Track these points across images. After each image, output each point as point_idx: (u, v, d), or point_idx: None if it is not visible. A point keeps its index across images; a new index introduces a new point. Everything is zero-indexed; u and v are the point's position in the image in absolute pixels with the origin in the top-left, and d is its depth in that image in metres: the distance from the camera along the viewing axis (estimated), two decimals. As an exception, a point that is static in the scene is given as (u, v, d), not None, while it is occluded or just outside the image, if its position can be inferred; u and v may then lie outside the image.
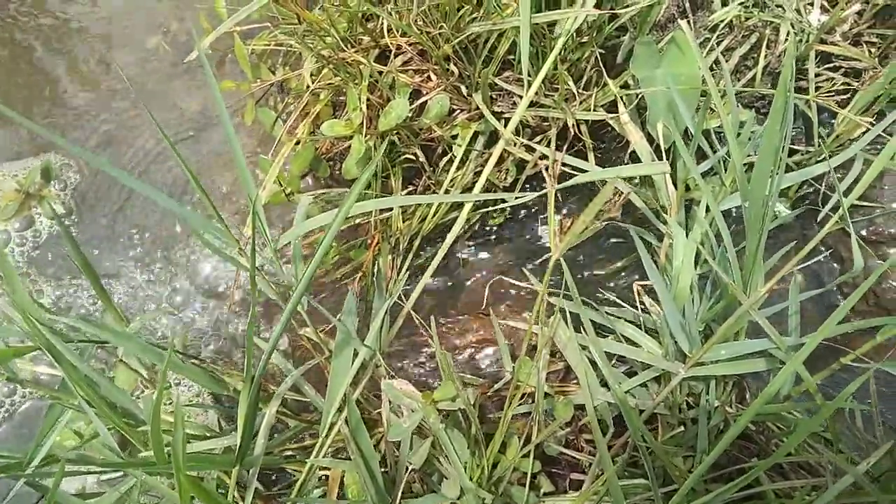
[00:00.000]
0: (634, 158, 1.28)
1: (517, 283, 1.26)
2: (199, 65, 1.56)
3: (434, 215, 1.35)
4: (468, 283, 1.44)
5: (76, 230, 1.57)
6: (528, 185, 1.41)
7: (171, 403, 1.36)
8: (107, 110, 1.67)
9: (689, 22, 1.25)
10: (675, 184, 1.23)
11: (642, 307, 1.21)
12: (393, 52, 1.27)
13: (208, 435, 1.15)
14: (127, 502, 1.02)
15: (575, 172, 1.18)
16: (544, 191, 0.90)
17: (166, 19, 1.73)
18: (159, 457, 0.88)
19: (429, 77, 1.27)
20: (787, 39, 1.28)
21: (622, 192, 0.97)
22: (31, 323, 0.83)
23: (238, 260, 1.01)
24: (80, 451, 1.13)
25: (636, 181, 1.30)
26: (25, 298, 0.91)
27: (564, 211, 1.47)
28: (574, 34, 1.18)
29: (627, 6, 1.20)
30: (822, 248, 1.38)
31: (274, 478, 1.30)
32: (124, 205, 1.58)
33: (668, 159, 1.21)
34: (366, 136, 1.26)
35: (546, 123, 1.32)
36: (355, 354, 1.09)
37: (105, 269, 1.53)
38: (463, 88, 1.27)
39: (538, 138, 1.33)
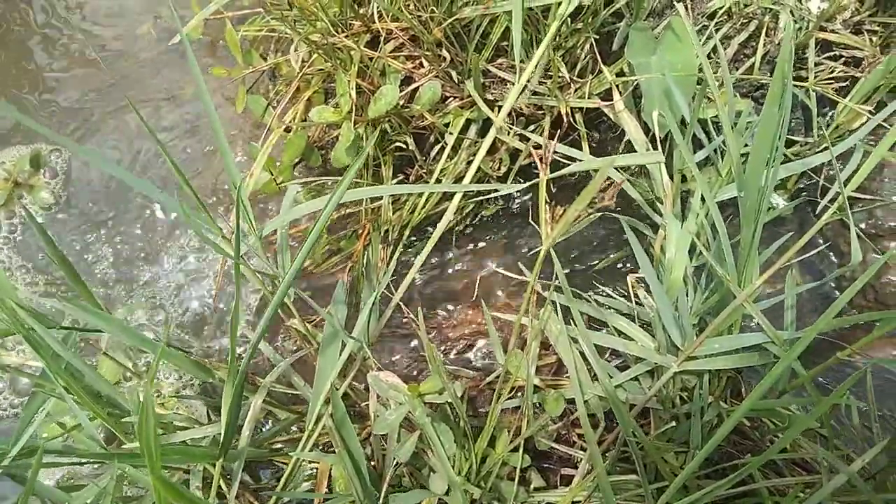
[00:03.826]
0: (630, 148, 1.26)
1: (510, 274, 1.24)
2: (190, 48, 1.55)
3: (425, 205, 1.32)
4: (460, 275, 1.41)
5: (64, 218, 1.55)
6: (521, 177, 1.39)
7: (158, 395, 1.34)
8: (97, 97, 1.65)
9: (686, 7, 1.22)
10: (670, 174, 1.20)
11: (636, 300, 1.18)
12: (384, 38, 1.25)
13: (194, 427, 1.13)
14: (110, 494, 1.00)
15: (569, 162, 1.15)
16: (536, 180, 0.87)
17: (157, 4, 1.70)
18: (147, 449, 0.86)
19: (420, 63, 1.25)
20: (786, 27, 1.26)
21: (616, 182, 0.95)
22: (6, 306, 0.81)
23: (223, 247, 0.98)
24: (64, 442, 1.11)
25: (632, 171, 1.27)
26: (3, 282, 0.89)
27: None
28: (568, 19, 1.16)
29: (623, -9, 1.18)
30: (821, 242, 1.35)
31: (264, 472, 1.28)
32: (114, 194, 1.56)
33: (663, 149, 1.19)
34: (355, 123, 1.23)
35: (540, 112, 1.29)
36: (343, 346, 1.07)
37: (91, 259, 1.51)
38: (455, 75, 1.24)
39: (532, 127, 1.31)
